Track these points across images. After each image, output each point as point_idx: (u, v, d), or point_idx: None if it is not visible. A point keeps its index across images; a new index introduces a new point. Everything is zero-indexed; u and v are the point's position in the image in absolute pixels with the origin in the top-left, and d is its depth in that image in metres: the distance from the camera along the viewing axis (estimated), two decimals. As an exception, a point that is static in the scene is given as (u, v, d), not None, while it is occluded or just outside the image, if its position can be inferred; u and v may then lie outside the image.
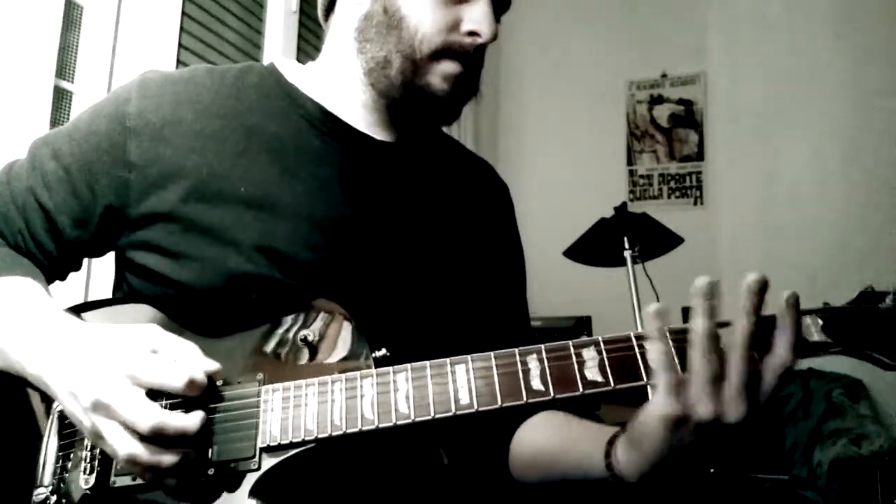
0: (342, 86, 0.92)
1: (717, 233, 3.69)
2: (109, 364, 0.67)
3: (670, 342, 0.66)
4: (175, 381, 0.67)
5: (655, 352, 0.66)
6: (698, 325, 0.65)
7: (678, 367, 0.66)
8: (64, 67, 1.72)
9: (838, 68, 3.49)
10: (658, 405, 0.67)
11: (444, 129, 1.07)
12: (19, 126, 1.49)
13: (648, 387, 0.69)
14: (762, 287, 0.66)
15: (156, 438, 0.65)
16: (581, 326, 3.00)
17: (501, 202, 1.08)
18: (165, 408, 0.69)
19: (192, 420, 0.67)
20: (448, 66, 0.87)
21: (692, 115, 3.85)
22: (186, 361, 0.69)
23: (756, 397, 0.66)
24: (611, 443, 0.77)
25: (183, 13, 2.07)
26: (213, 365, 0.71)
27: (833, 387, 2.94)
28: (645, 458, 0.71)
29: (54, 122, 1.64)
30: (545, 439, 0.91)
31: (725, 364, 0.65)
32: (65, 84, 1.72)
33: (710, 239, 3.65)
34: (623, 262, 2.58)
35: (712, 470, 2.50)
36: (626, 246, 2.58)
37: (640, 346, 0.70)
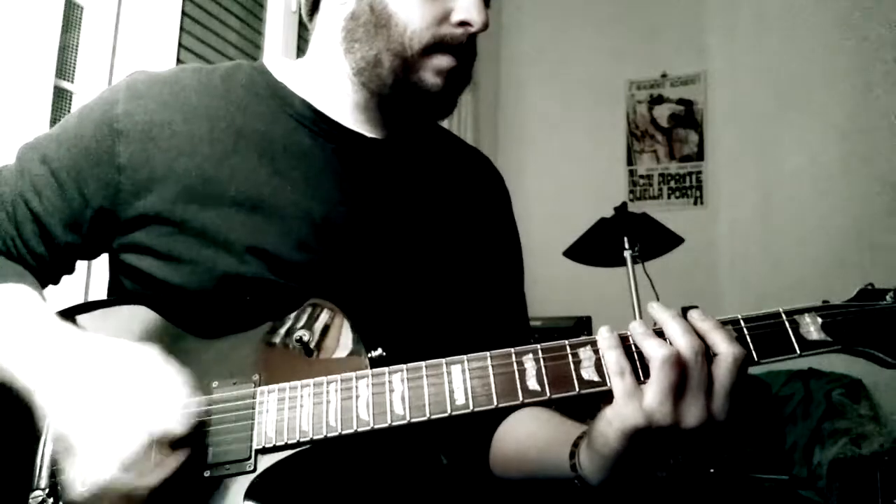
0: (331, 85, 0.92)
1: (717, 233, 3.70)
2: (89, 396, 0.66)
3: (621, 350, 0.69)
4: (133, 439, 0.65)
5: (609, 360, 0.68)
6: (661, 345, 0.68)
7: (634, 373, 0.68)
8: (64, 67, 1.72)
9: (838, 68, 3.49)
10: (616, 413, 0.68)
11: (444, 125, 1.06)
12: (19, 126, 1.49)
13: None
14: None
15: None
16: (581, 326, 3.00)
17: (496, 193, 1.07)
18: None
19: (141, 483, 0.65)
20: (441, 61, 0.85)
21: (692, 115, 3.85)
22: (156, 414, 0.66)
23: (719, 400, 0.68)
24: (576, 444, 0.77)
25: (183, 13, 2.07)
26: (183, 423, 0.68)
27: (833, 387, 2.94)
28: (606, 463, 0.71)
29: (54, 121, 1.63)
30: (522, 437, 0.90)
31: (684, 373, 0.67)
32: (65, 84, 1.72)
33: (710, 239, 3.65)
34: (623, 262, 2.58)
35: (712, 470, 2.50)
36: (626, 246, 2.58)
37: (637, 346, 0.70)
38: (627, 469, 0.71)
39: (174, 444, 0.67)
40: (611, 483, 0.72)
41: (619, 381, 0.68)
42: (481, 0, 0.85)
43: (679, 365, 0.67)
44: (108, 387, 0.67)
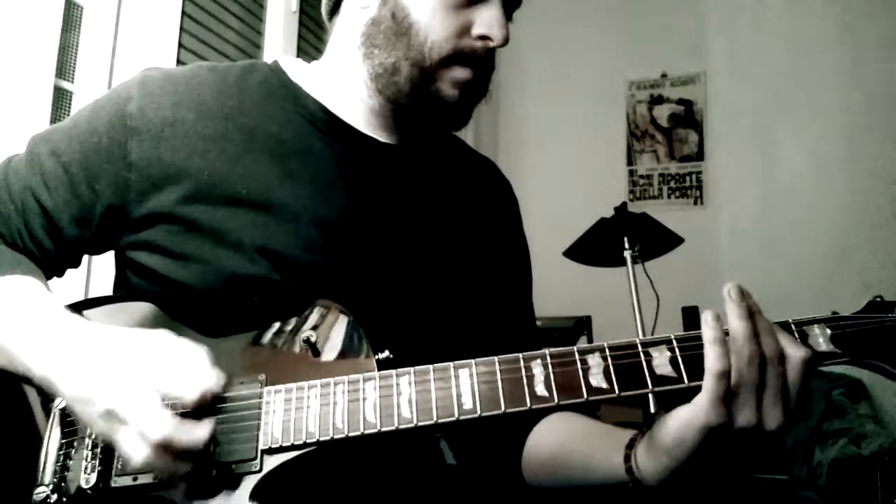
0: (347, 88, 0.92)
1: (717, 233, 3.69)
2: (124, 370, 0.67)
3: (719, 348, 0.65)
4: (188, 394, 0.66)
5: (711, 358, 0.65)
6: (742, 329, 0.65)
7: (730, 375, 0.65)
8: (64, 67, 1.71)
9: (838, 68, 3.49)
10: (700, 414, 0.66)
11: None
12: (19, 126, 1.49)
13: (650, 394, 0.69)
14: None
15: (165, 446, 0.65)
16: (581, 326, 2.99)
17: (505, 200, 1.08)
18: (173, 412, 0.68)
19: (200, 433, 0.66)
20: (459, 73, 0.86)
21: (692, 115, 3.85)
22: (198, 373, 0.68)
23: (789, 402, 0.67)
24: (629, 447, 0.76)
25: (183, 13, 2.07)
26: (222, 378, 0.70)
27: (833, 387, 2.93)
28: (674, 464, 0.70)
29: (54, 122, 1.63)
30: (560, 442, 0.90)
31: (765, 370, 0.65)
32: (65, 84, 1.72)
33: (710, 239, 3.65)
34: (623, 262, 2.58)
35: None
36: (626, 246, 2.58)
37: (647, 354, 0.69)
38: (696, 470, 0.70)
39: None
40: (671, 484, 0.72)
41: (714, 384, 0.65)
42: (503, 16, 0.85)
43: (762, 366, 0.66)
44: (134, 367, 0.67)
